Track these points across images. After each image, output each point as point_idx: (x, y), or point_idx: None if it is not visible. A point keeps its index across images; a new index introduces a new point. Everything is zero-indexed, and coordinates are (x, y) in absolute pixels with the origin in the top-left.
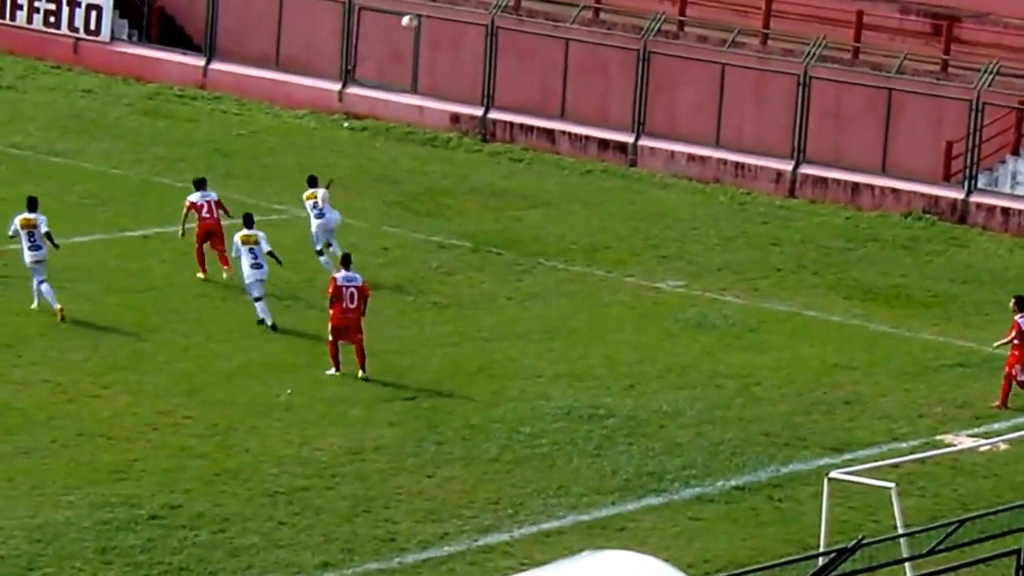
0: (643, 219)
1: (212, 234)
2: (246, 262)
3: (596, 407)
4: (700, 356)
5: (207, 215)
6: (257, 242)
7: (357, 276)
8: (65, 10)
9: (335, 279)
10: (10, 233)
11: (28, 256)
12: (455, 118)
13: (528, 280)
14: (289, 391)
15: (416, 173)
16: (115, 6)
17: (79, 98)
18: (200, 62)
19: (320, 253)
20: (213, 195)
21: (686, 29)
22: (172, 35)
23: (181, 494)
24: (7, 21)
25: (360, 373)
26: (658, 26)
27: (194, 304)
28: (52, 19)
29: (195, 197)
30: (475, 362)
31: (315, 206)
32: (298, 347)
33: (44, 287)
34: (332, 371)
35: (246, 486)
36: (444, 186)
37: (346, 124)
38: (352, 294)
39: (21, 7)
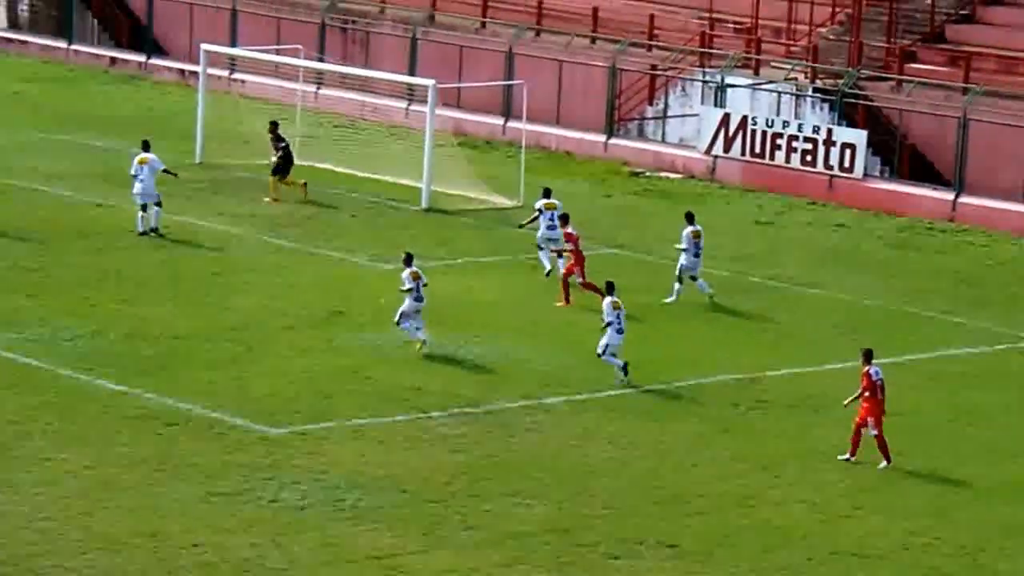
0: None
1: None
2: (613, 328)
3: None
4: None
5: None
6: (620, 308)
7: (880, 369)
8: (821, 149)
9: (868, 374)
10: (405, 287)
11: (411, 304)
12: None
13: None
14: None
15: None
16: (868, 144)
17: (832, 232)
18: (949, 196)
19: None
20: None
21: None
22: (922, 170)
23: None
24: (767, 160)
25: (883, 464)
26: None
27: (945, 429)
28: (808, 158)
29: (570, 229)
30: None
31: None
32: None
33: (420, 331)
34: (846, 456)
35: None
36: None
37: None
38: (882, 387)
39: (779, 147)
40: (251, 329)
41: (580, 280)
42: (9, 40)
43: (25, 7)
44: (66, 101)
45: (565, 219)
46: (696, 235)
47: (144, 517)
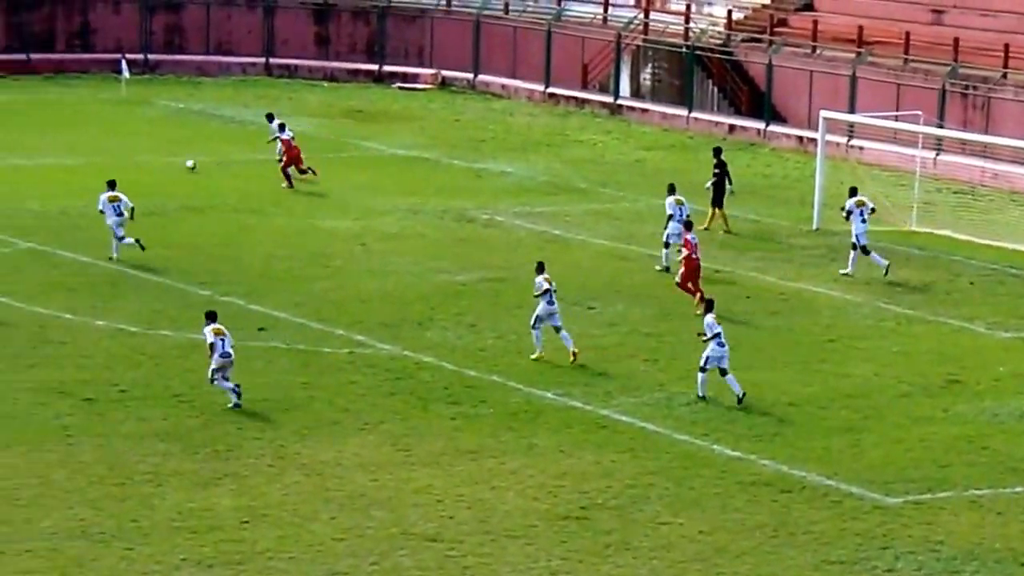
0: None
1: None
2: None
3: None
4: None
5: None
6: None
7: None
8: None
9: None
10: (539, 292)
11: (545, 308)
12: None
13: None
14: None
15: None
16: None
17: None
18: None
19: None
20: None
21: None
22: None
23: None
24: None
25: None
26: None
27: None
28: None
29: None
30: None
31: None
32: None
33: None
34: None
35: None
36: None
37: None
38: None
39: None
40: (866, 396)
41: (677, 280)
42: (631, 108)
43: (648, 76)
44: (685, 168)
45: (689, 225)
46: None
47: None
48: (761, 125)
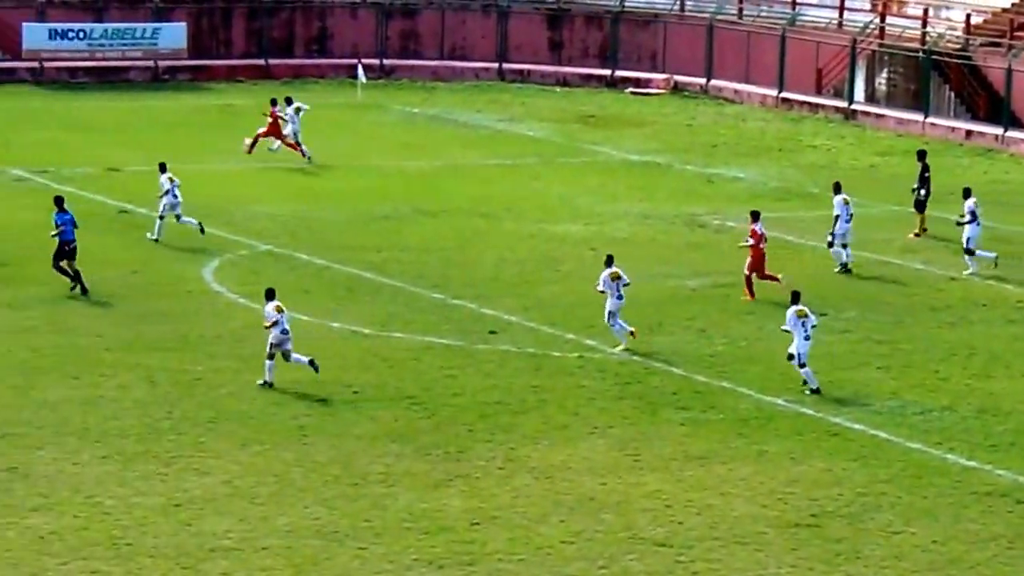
0: None
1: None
2: (612, 295)
3: None
4: None
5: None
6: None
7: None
8: None
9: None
10: (600, 288)
11: (614, 304)
12: None
13: None
14: None
15: None
16: None
17: None
18: None
19: None
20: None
21: None
22: None
23: None
24: None
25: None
26: None
27: None
28: None
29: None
30: None
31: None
32: None
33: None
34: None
35: None
36: None
37: None
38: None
39: None
40: None
41: (746, 272)
42: (866, 113)
43: (883, 81)
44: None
45: (756, 216)
46: None
47: None
48: (999, 131)
